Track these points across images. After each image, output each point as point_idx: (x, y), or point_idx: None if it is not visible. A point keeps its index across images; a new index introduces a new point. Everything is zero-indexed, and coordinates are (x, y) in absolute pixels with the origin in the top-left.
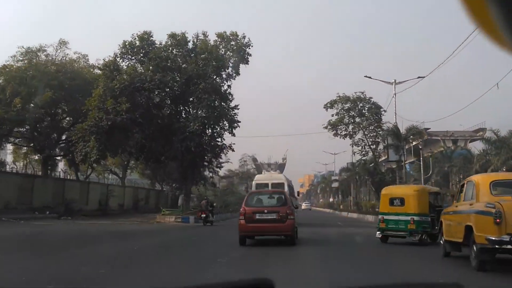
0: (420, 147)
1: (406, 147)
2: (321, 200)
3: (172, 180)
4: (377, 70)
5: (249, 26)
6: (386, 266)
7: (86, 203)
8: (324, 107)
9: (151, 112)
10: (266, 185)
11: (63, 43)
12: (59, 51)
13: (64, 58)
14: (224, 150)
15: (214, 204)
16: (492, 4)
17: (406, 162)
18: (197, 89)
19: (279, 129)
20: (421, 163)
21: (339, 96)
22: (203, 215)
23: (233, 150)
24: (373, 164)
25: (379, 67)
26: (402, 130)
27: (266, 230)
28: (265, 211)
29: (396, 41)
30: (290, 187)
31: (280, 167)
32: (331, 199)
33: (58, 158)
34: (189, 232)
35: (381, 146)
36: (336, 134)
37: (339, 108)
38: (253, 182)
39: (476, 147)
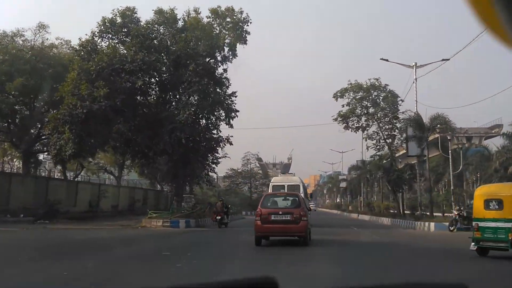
0: (449, 138)
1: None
2: (327, 200)
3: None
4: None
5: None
6: None
7: (74, 205)
8: (334, 97)
9: (134, 99)
10: (283, 187)
11: (42, 27)
12: (37, 35)
13: (43, 43)
14: (221, 144)
15: (229, 206)
16: (498, 5)
17: (430, 157)
18: (186, 72)
19: (284, 127)
20: (450, 157)
21: (350, 84)
22: (218, 217)
23: (231, 144)
24: (389, 159)
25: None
26: (425, 119)
27: (280, 231)
28: (280, 212)
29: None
30: (305, 189)
31: (285, 167)
32: (338, 200)
33: (43, 154)
34: (170, 242)
35: (397, 140)
36: (347, 127)
37: (351, 97)
38: (270, 184)
39: (494, 144)
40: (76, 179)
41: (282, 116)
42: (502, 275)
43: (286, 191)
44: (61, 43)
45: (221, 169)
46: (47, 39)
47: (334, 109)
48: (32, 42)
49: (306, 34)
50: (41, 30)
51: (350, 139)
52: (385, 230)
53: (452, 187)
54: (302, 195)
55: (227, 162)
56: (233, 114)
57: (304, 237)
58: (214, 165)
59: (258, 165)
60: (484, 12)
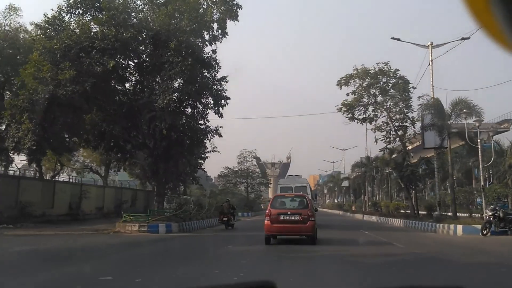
0: (477, 125)
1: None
2: (327, 200)
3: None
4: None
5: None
6: None
7: (52, 207)
8: (338, 84)
9: (108, 84)
10: (290, 188)
11: (12, 9)
12: (7, 19)
13: (14, 27)
14: (209, 135)
15: (235, 207)
16: (495, 6)
17: (451, 148)
18: (167, 51)
19: (283, 127)
20: (479, 148)
21: (356, 69)
22: (225, 219)
23: (220, 135)
24: (402, 152)
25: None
26: (445, 105)
27: (289, 230)
28: (289, 212)
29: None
30: (311, 190)
31: (284, 167)
32: (338, 200)
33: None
34: (135, 253)
35: (410, 131)
36: (352, 118)
37: (357, 85)
38: (278, 186)
39: (507, 138)
40: (54, 179)
41: (281, 115)
42: None
43: (293, 192)
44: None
45: (216, 168)
46: (19, 23)
47: (335, 101)
48: (3, 27)
49: (306, 31)
50: (11, 13)
51: (351, 137)
52: (402, 234)
53: (482, 183)
54: (310, 196)
55: (222, 160)
56: (223, 101)
57: (312, 236)
58: (201, 161)
59: (255, 163)
60: (480, 12)
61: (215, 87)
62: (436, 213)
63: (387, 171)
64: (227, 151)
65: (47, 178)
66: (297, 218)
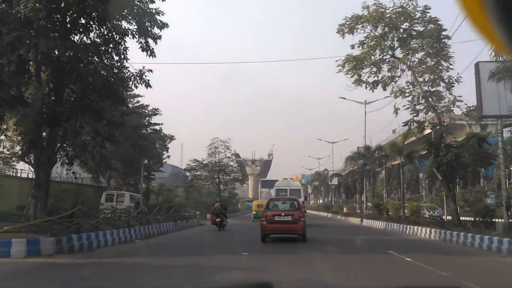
0: None
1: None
2: (312, 201)
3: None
4: None
5: None
6: None
7: None
8: (339, 32)
9: None
10: (285, 190)
11: None
12: None
13: None
14: (130, 83)
15: (227, 208)
16: (489, 8)
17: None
18: None
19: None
20: None
21: (366, 7)
22: (218, 220)
23: (147, 85)
24: (438, 127)
25: None
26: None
27: (283, 230)
28: (282, 214)
29: None
30: (304, 192)
31: (266, 164)
32: (325, 200)
33: None
34: None
35: (447, 98)
36: (358, 81)
37: (367, 32)
38: (274, 188)
39: None
40: None
41: (262, 114)
42: None
43: (288, 194)
44: None
45: (178, 159)
46: None
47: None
48: None
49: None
50: None
51: (339, 133)
52: (462, 259)
53: None
54: (303, 198)
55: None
56: (155, 30)
57: (303, 234)
58: (113, 129)
59: (229, 155)
60: (473, 12)
61: (141, 3)
62: (502, 221)
63: (401, 160)
64: (199, 143)
65: None
66: (289, 218)
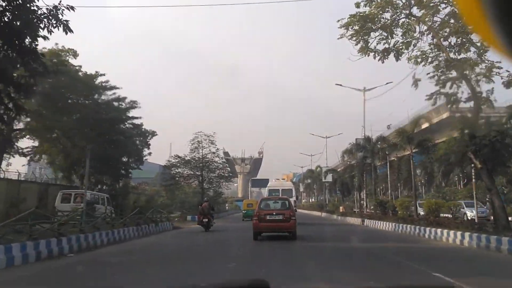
0: None
1: None
2: (304, 200)
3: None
4: None
5: None
6: None
7: None
8: None
9: None
10: (278, 190)
11: None
12: None
13: None
14: (44, 24)
15: (215, 208)
16: (487, 8)
17: None
18: None
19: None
20: None
21: None
22: (205, 220)
23: (67, 30)
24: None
25: None
26: None
27: (274, 228)
28: (274, 213)
29: None
30: (296, 192)
31: (256, 163)
32: (318, 199)
33: None
34: None
35: (480, 67)
36: (365, 49)
37: None
38: (266, 188)
39: None
40: None
41: (255, 115)
42: None
43: (280, 194)
44: None
45: (161, 156)
46: None
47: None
48: None
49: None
50: None
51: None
52: None
53: None
54: (294, 197)
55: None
56: None
57: (293, 232)
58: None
59: (213, 150)
60: (471, 13)
61: None
62: None
63: (409, 151)
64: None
65: None
66: (281, 217)
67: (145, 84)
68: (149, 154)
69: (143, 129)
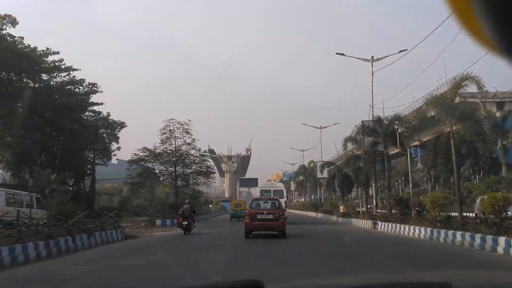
0: None
1: None
2: (295, 199)
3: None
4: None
5: None
6: None
7: None
8: None
9: None
10: (269, 191)
11: None
12: None
13: None
14: None
15: (196, 210)
16: (477, 5)
17: None
18: None
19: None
20: None
21: None
22: (185, 223)
23: None
24: None
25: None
26: None
27: (265, 226)
28: (264, 212)
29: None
30: (287, 192)
31: (244, 160)
32: (312, 197)
33: None
34: None
35: None
36: None
37: None
38: (258, 189)
39: None
40: None
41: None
42: None
43: (272, 194)
44: None
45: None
46: None
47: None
48: None
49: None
50: None
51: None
52: None
53: None
54: (285, 198)
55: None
56: None
57: (283, 231)
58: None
59: (189, 141)
60: (462, 12)
61: None
62: None
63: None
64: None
65: None
66: (271, 216)
67: (123, 79)
68: (118, 148)
69: (110, 120)
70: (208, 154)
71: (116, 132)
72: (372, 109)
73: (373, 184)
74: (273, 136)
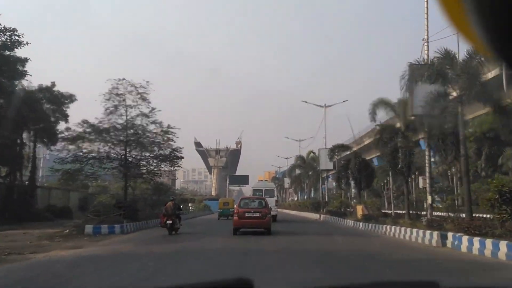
0: None
1: None
2: (290, 198)
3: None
4: None
5: None
6: None
7: None
8: None
9: None
10: (261, 190)
11: None
12: None
13: None
14: None
15: (182, 207)
16: (469, 5)
17: None
18: None
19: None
20: None
21: None
22: (169, 222)
23: None
24: None
25: None
26: None
27: (252, 224)
28: (252, 211)
29: None
30: (278, 192)
31: (233, 154)
32: (311, 195)
33: None
34: None
35: None
36: None
37: None
38: (250, 188)
39: None
40: None
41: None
42: None
43: (263, 194)
44: None
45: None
46: None
47: None
48: None
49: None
50: None
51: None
52: None
53: None
54: (276, 197)
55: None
56: None
57: (268, 228)
58: None
59: (146, 111)
60: (452, 11)
61: None
62: None
63: None
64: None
65: None
66: (258, 215)
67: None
68: (67, 129)
69: (55, 92)
70: (173, 129)
71: (64, 108)
72: (427, 44)
73: (427, 170)
74: (266, 129)
